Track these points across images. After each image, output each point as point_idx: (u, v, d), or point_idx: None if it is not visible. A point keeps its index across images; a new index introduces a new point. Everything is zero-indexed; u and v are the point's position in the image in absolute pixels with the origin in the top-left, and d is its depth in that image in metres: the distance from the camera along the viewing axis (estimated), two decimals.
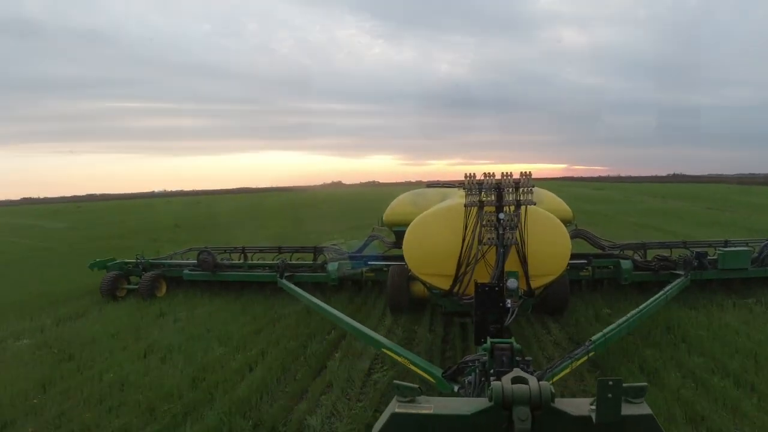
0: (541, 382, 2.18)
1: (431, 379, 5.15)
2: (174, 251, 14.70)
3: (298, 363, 7.51)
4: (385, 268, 10.81)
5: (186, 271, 12.22)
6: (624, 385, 2.08)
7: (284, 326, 9.20)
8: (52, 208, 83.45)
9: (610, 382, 2.04)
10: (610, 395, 2.01)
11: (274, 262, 12.01)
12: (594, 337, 5.88)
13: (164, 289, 12.21)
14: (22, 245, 27.18)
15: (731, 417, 5.43)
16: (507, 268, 6.30)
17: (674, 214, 29.98)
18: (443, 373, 5.10)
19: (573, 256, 7.39)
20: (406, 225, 7.71)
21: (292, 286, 9.86)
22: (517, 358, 4.13)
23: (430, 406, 2.04)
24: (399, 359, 5.80)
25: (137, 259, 13.03)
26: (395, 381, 2.19)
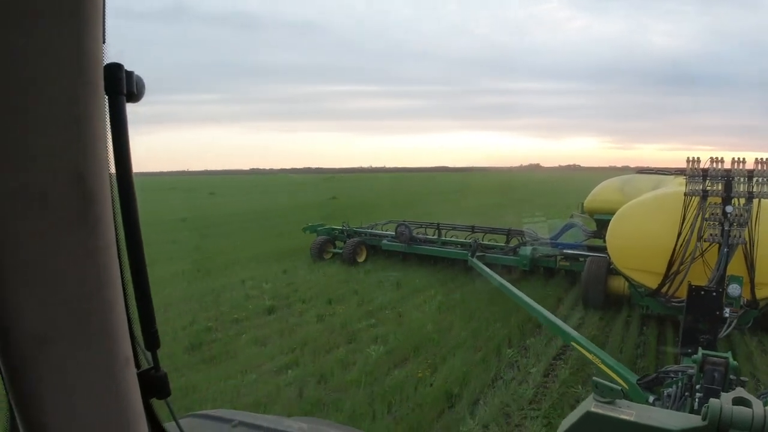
0: (767, 408, 1.85)
1: (624, 384, 4.75)
2: (375, 222, 15.81)
3: None
4: (581, 258, 10.19)
5: (384, 242, 13.22)
6: None
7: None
8: (307, 178, 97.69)
9: None
10: None
11: (467, 240, 12.17)
12: None
13: (364, 256, 13.35)
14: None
15: None
16: (729, 271, 5.47)
17: None
18: (639, 379, 4.67)
19: None
20: (611, 213, 7.14)
21: (483, 266, 9.88)
22: (732, 377, 3.59)
23: (631, 412, 1.88)
24: (589, 356, 5.45)
25: (343, 226, 14.42)
26: (595, 378, 2.05)
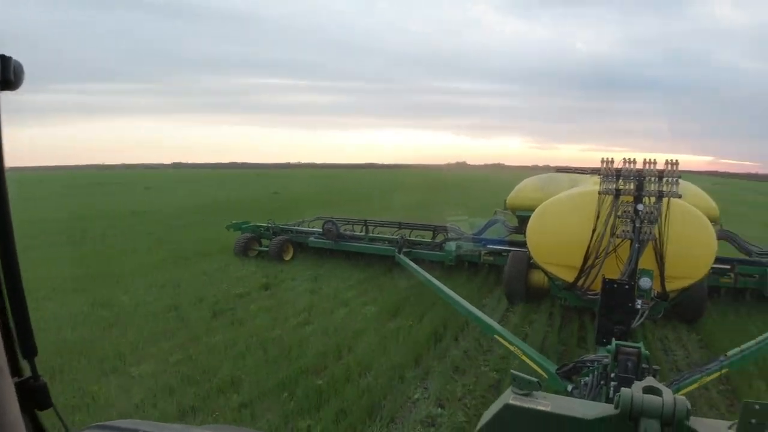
0: (676, 396, 1.91)
1: (543, 373, 4.89)
2: (302, 218, 15.50)
3: None
4: (504, 253, 10.49)
5: (311, 239, 12.96)
6: None
7: None
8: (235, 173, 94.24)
9: (757, 406, 1.73)
10: (754, 421, 1.71)
11: (394, 237, 12.20)
12: (730, 353, 5.14)
13: (291, 253, 13.05)
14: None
15: None
16: (641, 265, 5.76)
17: None
18: (557, 369, 4.82)
19: (715, 260, 6.57)
20: (531, 210, 7.37)
21: (409, 262, 9.93)
22: (644, 366, 3.76)
23: (547, 403, 1.90)
24: (511, 348, 5.58)
25: (269, 223, 14.02)
26: (513, 371, 2.05)
